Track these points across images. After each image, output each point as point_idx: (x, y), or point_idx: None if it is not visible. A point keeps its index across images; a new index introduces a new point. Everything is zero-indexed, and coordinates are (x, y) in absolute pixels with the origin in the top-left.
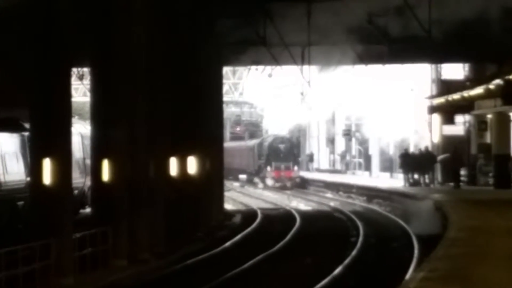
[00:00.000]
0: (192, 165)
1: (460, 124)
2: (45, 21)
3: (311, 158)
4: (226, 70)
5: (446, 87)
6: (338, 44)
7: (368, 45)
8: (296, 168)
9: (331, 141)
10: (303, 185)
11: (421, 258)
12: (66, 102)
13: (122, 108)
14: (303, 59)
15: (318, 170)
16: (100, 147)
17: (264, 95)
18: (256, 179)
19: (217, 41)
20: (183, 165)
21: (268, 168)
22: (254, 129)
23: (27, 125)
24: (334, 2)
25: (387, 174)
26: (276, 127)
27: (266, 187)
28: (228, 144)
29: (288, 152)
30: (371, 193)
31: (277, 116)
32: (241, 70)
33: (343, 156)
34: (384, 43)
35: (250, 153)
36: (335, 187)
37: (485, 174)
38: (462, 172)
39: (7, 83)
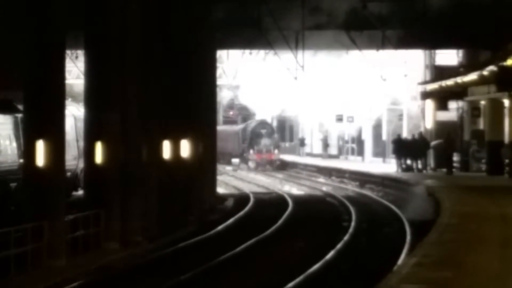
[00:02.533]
0: (185, 148)
1: (454, 110)
2: (39, 2)
3: (302, 142)
4: (220, 53)
5: (439, 73)
6: (332, 29)
7: (362, 30)
8: (276, 151)
9: (323, 126)
10: (283, 167)
11: (414, 244)
12: (59, 84)
13: (116, 91)
14: (297, 44)
15: (310, 154)
16: (93, 129)
17: (254, 79)
18: (239, 161)
19: (212, 24)
20: (176, 149)
21: (251, 151)
22: (247, 113)
23: (20, 107)
24: None
25: (380, 160)
26: (264, 111)
27: (248, 168)
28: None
29: (269, 136)
30: (364, 178)
31: (266, 100)
32: (235, 54)
33: (325, 141)
34: (378, 28)
35: (235, 137)
36: (327, 172)
37: (478, 160)
38: (455, 158)
39: (0, 65)
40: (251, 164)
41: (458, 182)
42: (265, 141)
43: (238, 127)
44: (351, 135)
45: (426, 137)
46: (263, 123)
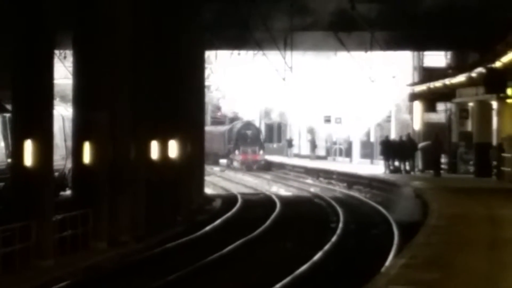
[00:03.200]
0: (173, 148)
1: (442, 112)
2: (28, 2)
3: (289, 143)
4: (209, 54)
5: (428, 74)
6: (321, 30)
7: (350, 31)
8: (261, 152)
9: (311, 128)
10: (268, 167)
11: (401, 245)
12: (48, 83)
13: (104, 91)
14: (285, 45)
15: (298, 156)
16: (82, 129)
17: (241, 80)
18: (225, 161)
19: (200, 24)
20: (164, 149)
21: (236, 152)
22: (234, 114)
23: (8, 106)
24: None
25: (368, 161)
26: (250, 112)
27: (234, 168)
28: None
29: (255, 137)
30: (351, 180)
31: (253, 101)
32: (224, 54)
33: (312, 143)
34: (367, 29)
35: (221, 138)
36: (315, 173)
37: (465, 162)
38: (443, 160)
39: None
40: (236, 164)
41: (446, 184)
42: (250, 142)
43: (224, 128)
44: (342, 138)
45: (414, 139)
46: (248, 124)
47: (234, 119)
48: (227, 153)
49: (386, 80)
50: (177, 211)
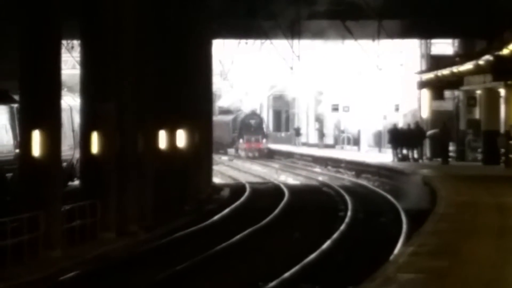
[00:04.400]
0: (181, 138)
1: (450, 100)
2: None
3: (297, 132)
4: (217, 43)
5: (435, 62)
6: (328, 19)
7: (358, 20)
8: (264, 140)
9: (319, 116)
10: (270, 155)
11: (410, 233)
12: (55, 74)
13: (112, 81)
14: (292, 33)
15: (306, 144)
16: (90, 119)
17: (249, 69)
18: (231, 150)
19: (207, 14)
20: (171, 138)
21: (241, 141)
22: (240, 104)
23: (16, 97)
24: None
25: (376, 149)
26: (255, 101)
27: (239, 156)
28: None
29: (258, 126)
30: (360, 168)
31: (257, 90)
32: (231, 43)
33: (321, 131)
34: (374, 18)
35: (226, 127)
36: (323, 161)
37: (473, 149)
38: (451, 147)
39: None
40: (241, 152)
41: (454, 171)
42: (253, 131)
43: (229, 117)
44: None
45: (422, 127)
46: (252, 114)
47: (239, 108)
48: (231, 142)
49: (394, 68)
50: (185, 201)
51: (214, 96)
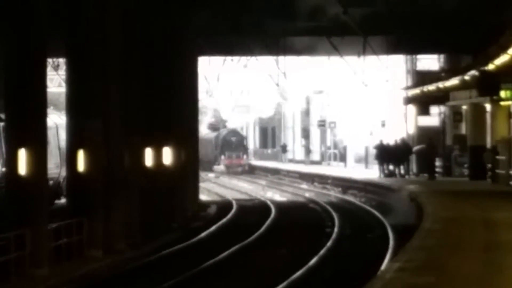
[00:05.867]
0: (167, 156)
1: (436, 115)
2: (20, 10)
3: (284, 149)
4: (202, 60)
5: (421, 78)
6: (314, 35)
7: (343, 36)
8: (245, 157)
9: (306, 132)
10: (251, 171)
11: (397, 249)
12: (41, 92)
13: (98, 98)
14: (278, 50)
15: (292, 161)
16: (76, 137)
17: (233, 87)
18: (213, 166)
19: (193, 31)
20: (158, 156)
21: (222, 157)
22: (226, 121)
23: (2, 115)
24: None
25: (362, 165)
26: (242, 119)
27: (218, 172)
28: None
29: (239, 143)
30: (346, 184)
31: (244, 107)
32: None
33: (307, 148)
34: (360, 34)
35: (209, 144)
36: (310, 178)
37: (460, 165)
38: (437, 163)
39: None
40: (222, 168)
41: (440, 187)
42: (234, 148)
43: (212, 134)
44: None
45: (408, 143)
46: (233, 131)
47: (224, 126)
48: (214, 158)
49: (380, 84)
50: (172, 218)
51: (200, 113)
